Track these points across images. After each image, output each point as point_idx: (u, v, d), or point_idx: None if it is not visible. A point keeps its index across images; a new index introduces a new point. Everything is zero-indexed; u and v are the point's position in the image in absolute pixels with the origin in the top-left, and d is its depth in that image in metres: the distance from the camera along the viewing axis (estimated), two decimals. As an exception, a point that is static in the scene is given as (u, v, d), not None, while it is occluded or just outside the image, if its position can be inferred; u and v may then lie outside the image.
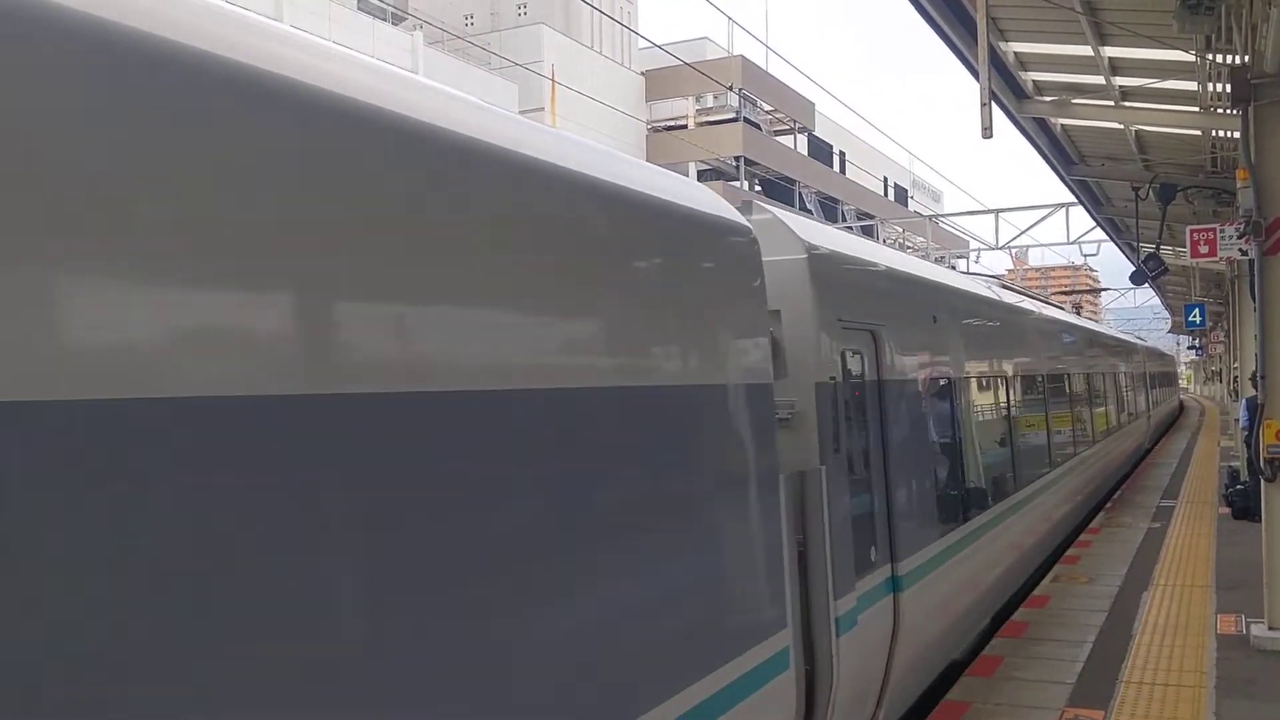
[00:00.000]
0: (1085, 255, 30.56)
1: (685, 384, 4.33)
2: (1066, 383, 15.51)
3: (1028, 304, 15.11)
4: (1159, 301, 50.27)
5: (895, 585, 6.45)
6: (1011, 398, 10.95)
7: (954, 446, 8.40)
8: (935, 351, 8.15)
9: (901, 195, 68.92)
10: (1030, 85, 13.97)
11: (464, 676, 2.93)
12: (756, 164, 49.16)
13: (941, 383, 8.22)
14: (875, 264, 7.53)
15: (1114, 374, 21.07)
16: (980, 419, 9.68)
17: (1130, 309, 64.61)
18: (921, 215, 41.31)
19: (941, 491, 7.83)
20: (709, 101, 50.84)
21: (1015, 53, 12.89)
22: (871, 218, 40.67)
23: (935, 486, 7.68)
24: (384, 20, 36.02)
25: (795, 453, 5.40)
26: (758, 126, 51.01)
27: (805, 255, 5.77)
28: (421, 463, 2.83)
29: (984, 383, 9.90)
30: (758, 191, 47.42)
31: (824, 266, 5.99)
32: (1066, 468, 14.17)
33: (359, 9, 34.48)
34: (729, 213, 5.07)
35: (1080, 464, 15.51)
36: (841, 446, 5.80)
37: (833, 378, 5.80)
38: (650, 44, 33.93)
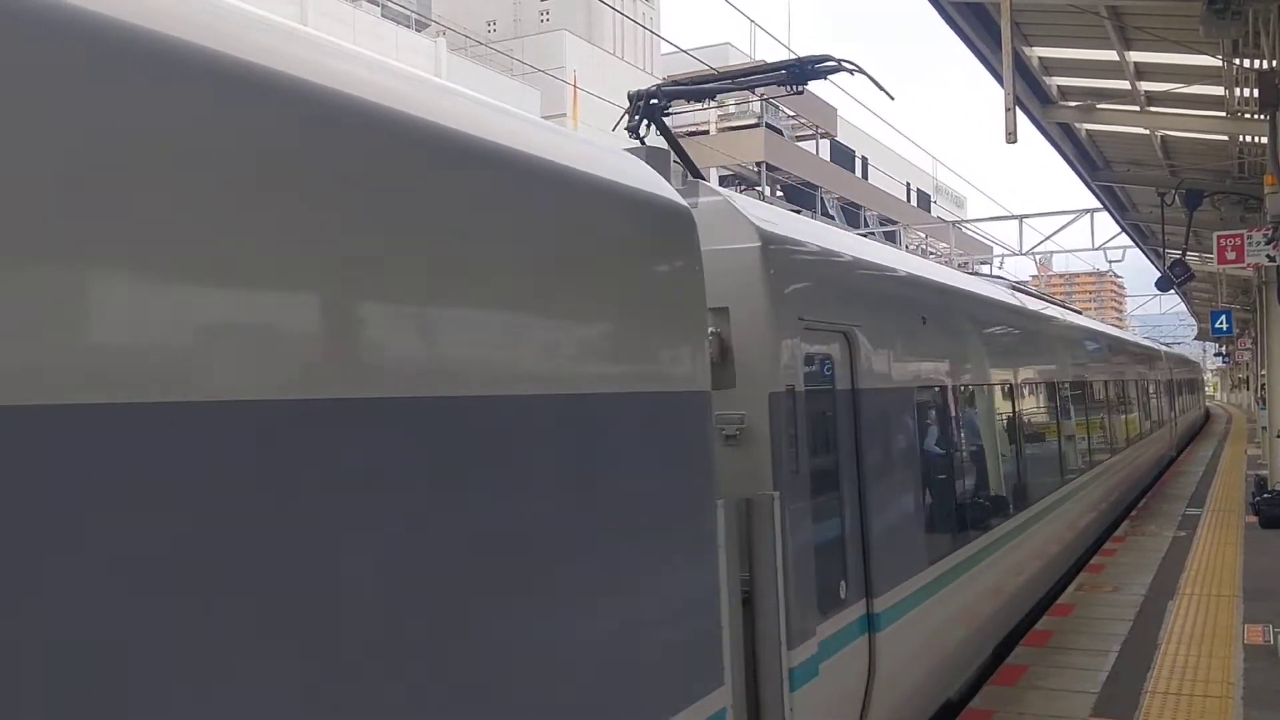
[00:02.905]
0: (1110, 261, 30.40)
1: (588, 392, 3.49)
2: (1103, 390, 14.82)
3: (1050, 310, 14.17)
4: (1185, 308, 49.90)
5: (871, 625, 5.69)
6: (1018, 404, 10.15)
7: (948, 462, 7.53)
8: (925, 356, 7.35)
9: (924, 201, 68.63)
10: (1055, 90, 13.91)
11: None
12: (778, 169, 49.08)
13: (933, 391, 7.43)
14: (847, 255, 6.60)
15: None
16: (984, 430, 8.92)
17: (1156, 315, 64.25)
18: (945, 221, 41.16)
19: (932, 513, 7.07)
20: (730, 107, 50.81)
21: (1040, 58, 12.85)
22: (894, 223, 40.54)
23: (922, 508, 6.86)
24: (407, 27, 36.22)
25: (744, 475, 4.66)
26: (780, 132, 50.94)
27: (759, 244, 4.99)
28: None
29: (985, 391, 9.07)
30: (779, 197, 47.35)
31: (782, 257, 5.21)
32: (1089, 474, 13.55)
33: (383, 16, 34.69)
34: (662, 189, 4.34)
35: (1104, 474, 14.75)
36: (802, 467, 5.05)
37: (791, 386, 5.01)
38: (674, 48, 33.95)
